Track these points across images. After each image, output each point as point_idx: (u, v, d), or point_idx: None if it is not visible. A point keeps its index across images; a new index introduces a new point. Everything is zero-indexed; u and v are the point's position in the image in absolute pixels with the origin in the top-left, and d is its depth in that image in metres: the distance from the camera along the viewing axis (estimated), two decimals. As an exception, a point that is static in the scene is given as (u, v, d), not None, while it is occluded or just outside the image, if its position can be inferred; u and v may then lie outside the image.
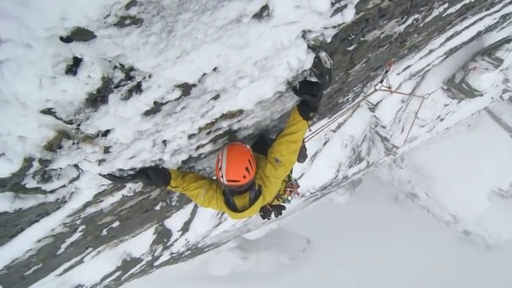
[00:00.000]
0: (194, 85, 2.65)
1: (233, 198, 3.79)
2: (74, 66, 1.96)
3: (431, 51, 9.28)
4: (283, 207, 4.75)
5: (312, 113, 3.49)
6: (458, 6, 5.35)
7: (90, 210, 4.25)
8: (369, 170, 17.03)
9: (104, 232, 5.78)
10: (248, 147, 3.78)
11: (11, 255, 4.06)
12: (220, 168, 3.53)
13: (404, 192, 30.96)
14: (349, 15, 2.89)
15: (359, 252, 34.61)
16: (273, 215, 4.71)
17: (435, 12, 4.73)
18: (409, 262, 33.12)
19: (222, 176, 3.51)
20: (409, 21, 4.29)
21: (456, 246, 31.55)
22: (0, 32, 1.67)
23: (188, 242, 10.39)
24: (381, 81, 6.07)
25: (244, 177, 3.51)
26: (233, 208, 3.86)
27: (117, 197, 4.38)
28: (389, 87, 6.67)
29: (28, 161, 2.36)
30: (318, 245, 36.45)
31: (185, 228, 9.55)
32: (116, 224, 5.72)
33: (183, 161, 4.11)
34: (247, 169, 3.52)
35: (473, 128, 23.64)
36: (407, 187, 29.30)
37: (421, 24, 4.87)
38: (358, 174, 16.42)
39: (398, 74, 10.60)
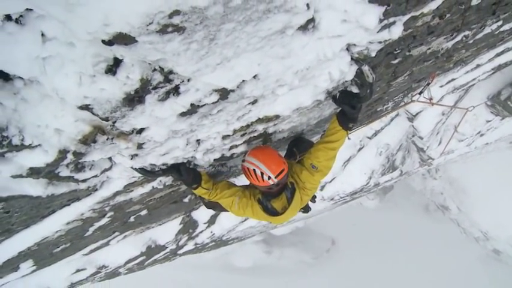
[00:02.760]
0: (232, 90, 2.63)
1: (271, 204, 3.77)
2: (113, 66, 1.97)
3: (478, 65, 8.93)
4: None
5: (351, 124, 3.45)
6: (513, 23, 5.13)
7: (120, 198, 4.31)
8: (401, 178, 16.71)
9: (132, 219, 5.86)
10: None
11: (41, 234, 4.18)
12: (262, 175, 3.45)
13: (435, 203, 30.19)
14: (396, 32, 2.79)
15: (384, 258, 34.11)
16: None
17: (487, 30, 4.55)
18: (434, 274, 32.45)
19: (269, 178, 3.45)
20: (458, 38, 4.14)
21: (485, 264, 30.60)
22: (46, 30, 1.70)
23: (213, 234, 10.46)
24: (420, 93, 5.91)
25: (284, 163, 3.54)
26: (273, 213, 3.82)
27: (147, 188, 4.43)
28: (430, 99, 6.48)
29: (63, 153, 2.40)
30: (342, 247, 36.11)
31: (212, 221, 9.61)
32: (144, 212, 5.79)
33: (215, 159, 4.10)
34: (279, 155, 3.59)
35: (515, 146, 22.80)
36: (439, 199, 28.52)
37: (471, 41, 4.69)
38: (390, 181, 16.14)
39: (441, 86, 10.28)
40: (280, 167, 3.48)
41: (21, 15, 1.63)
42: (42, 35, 1.72)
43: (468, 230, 28.24)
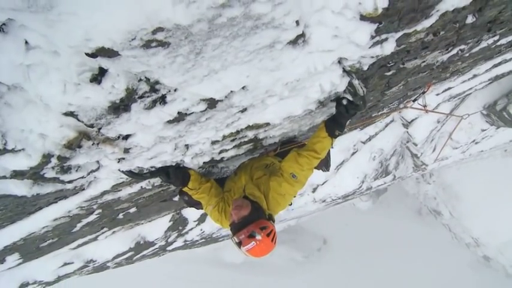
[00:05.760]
0: (221, 100, 2.61)
1: None
2: (99, 75, 1.95)
3: (475, 75, 8.83)
4: None
5: (337, 131, 3.44)
6: (510, 38, 5.10)
7: (108, 197, 4.28)
8: (394, 182, 16.72)
9: (120, 216, 5.83)
10: (258, 232, 3.15)
11: (28, 229, 4.16)
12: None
13: (428, 207, 30.30)
14: (389, 48, 2.77)
15: (374, 260, 34.24)
16: None
17: (483, 44, 4.51)
18: (424, 278, 32.55)
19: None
20: (454, 52, 4.10)
21: (474, 270, 30.75)
22: (30, 39, 1.68)
23: (203, 232, 10.44)
24: (414, 100, 5.89)
25: (275, 243, 3.27)
26: None
27: (135, 188, 4.39)
28: (424, 106, 6.47)
29: (47, 157, 2.38)
30: (334, 247, 36.23)
31: (202, 219, 9.58)
32: (133, 210, 5.76)
33: (204, 162, 4.08)
34: (272, 240, 3.23)
35: (510, 154, 22.83)
36: (432, 203, 28.63)
37: (467, 54, 4.66)
38: (383, 185, 16.14)
39: (437, 94, 10.20)
40: (271, 250, 3.26)
41: (4, 24, 1.61)
42: (26, 42, 1.70)
43: (459, 236, 28.41)
